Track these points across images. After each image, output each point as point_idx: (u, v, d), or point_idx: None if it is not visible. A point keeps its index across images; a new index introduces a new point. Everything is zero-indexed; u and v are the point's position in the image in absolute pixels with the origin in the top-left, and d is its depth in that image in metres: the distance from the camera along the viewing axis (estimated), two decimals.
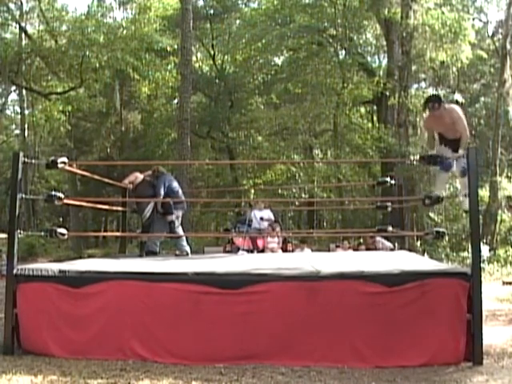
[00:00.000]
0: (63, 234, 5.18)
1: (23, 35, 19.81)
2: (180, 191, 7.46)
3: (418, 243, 13.22)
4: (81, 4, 50.76)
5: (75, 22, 18.64)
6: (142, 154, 19.28)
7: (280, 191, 18.45)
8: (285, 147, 19.11)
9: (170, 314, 4.49)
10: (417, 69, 16.41)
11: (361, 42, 18.75)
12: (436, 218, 14.89)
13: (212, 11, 20.21)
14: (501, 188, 14.22)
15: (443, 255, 12.66)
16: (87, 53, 17.48)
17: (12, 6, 19.85)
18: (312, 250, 9.41)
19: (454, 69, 17.09)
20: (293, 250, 9.22)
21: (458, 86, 20.64)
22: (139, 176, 7.34)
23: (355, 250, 9.48)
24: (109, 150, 22.61)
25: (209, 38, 20.51)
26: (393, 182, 7.58)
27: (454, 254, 12.90)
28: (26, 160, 5.06)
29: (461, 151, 5.05)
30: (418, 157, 5.70)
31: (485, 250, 11.53)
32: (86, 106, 19.10)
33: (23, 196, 5.35)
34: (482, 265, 4.72)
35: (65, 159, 5.26)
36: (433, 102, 5.73)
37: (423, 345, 4.26)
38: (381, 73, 17.71)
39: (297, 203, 18.19)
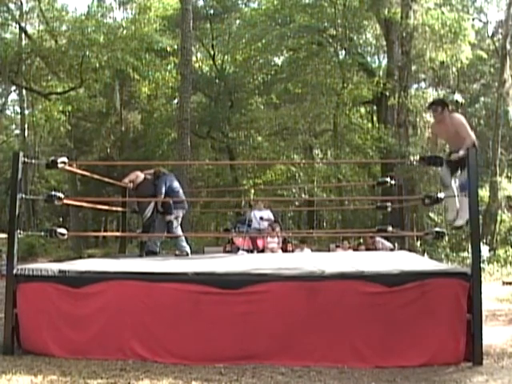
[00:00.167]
0: (63, 234, 5.18)
1: (23, 35, 19.80)
2: (181, 191, 7.46)
3: (418, 243, 13.22)
4: (81, 4, 50.81)
5: (75, 22, 18.65)
6: (142, 154, 19.29)
7: (280, 191, 18.46)
8: (285, 147, 19.12)
9: (169, 314, 4.49)
10: (417, 69, 16.40)
11: (361, 42, 18.74)
12: (436, 218, 14.90)
13: (212, 11, 20.21)
14: (501, 188, 14.23)
15: (443, 255, 12.66)
16: (87, 53, 17.47)
17: (12, 6, 19.86)
18: (312, 250, 9.41)
19: (454, 69, 17.09)
20: (293, 250, 9.22)
21: (458, 86, 20.63)
22: (140, 175, 7.29)
23: (355, 250, 9.48)
24: (109, 150, 22.61)
25: (209, 38, 20.51)
26: (393, 182, 7.58)
27: (454, 254, 12.91)
28: (26, 160, 5.06)
29: (461, 152, 5.02)
30: (417, 157, 5.67)
31: (485, 250, 11.54)
32: (86, 106, 19.10)
33: (23, 196, 5.35)
34: (481, 265, 4.72)
35: (65, 159, 5.25)
36: (436, 105, 5.69)
37: (423, 345, 4.26)
38: (381, 73, 17.70)
39: (297, 203, 18.21)
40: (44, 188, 26.80)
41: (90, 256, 13.70)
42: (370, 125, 19.66)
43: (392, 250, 8.41)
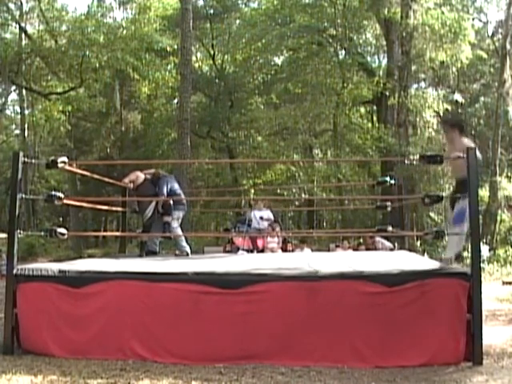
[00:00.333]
0: (63, 234, 5.17)
1: (23, 35, 19.81)
2: (181, 193, 7.46)
3: (418, 243, 13.23)
4: (81, 4, 50.83)
5: (75, 22, 18.65)
6: (141, 154, 19.29)
7: (280, 191, 18.45)
8: (285, 147, 19.13)
9: (169, 314, 4.48)
10: (417, 69, 16.41)
11: (361, 41, 18.76)
12: (436, 218, 14.91)
13: (212, 11, 20.22)
14: (501, 188, 14.23)
15: (443, 255, 12.64)
16: (87, 53, 17.49)
17: (12, 6, 19.89)
18: (312, 250, 9.42)
19: (454, 69, 17.10)
20: (293, 250, 9.23)
21: (458, 86, 20.64)
22: (140, 175, 7.25)
23: (355, 249, 9.49)
24: (109, 149, 22.60)
25: (209, 38, 20.52)
26: (393, 181, 7.58)
27: None
28: (26, 160, 5.05)
29: (457, 153, 4.90)
30: (417, 156, 5.64)
31: (485, 250, 11.53)
32: (86, 106, 19.11)
33: (23, 196, 5.35)
34: (481, 265, 4.71)
35: (65, 159, 5.25)
36: (443, 123, 5.57)
37: (423, 345, 4.26)
38: (381, 73, 17.71)
39: (296, 203, 18.21)
40: (44, 188, 26.78)
41: (90, 256, 13.71)
42: (369, 125, 19.67)
43: (392, 249, 8.41)
